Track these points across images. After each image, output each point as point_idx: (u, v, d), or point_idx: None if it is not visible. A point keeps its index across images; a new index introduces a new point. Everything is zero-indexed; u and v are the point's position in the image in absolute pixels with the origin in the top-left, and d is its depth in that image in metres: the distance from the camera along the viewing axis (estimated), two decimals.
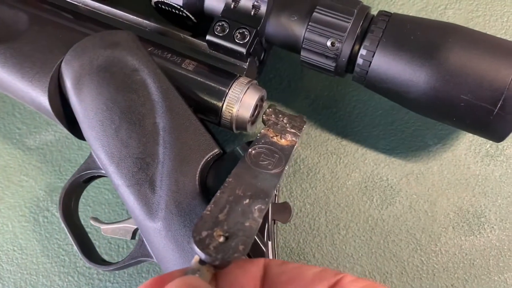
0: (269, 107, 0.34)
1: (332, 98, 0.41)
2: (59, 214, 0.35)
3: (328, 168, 0.40)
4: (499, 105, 0.31)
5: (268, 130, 0.32)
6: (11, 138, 0.43)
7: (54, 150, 0.42)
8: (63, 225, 0.35)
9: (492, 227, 0.38)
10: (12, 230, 0.41)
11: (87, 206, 0.41)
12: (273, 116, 0.33)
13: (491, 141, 0.37)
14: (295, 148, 0.31)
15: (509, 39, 0.41)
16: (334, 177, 0.40)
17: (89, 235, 0.37)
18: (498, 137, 0.33)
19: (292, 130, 0.32)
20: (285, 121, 0.33)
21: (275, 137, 0.31)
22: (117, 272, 0.39)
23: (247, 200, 0.25)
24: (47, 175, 0.42)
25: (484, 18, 0.41)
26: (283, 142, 0.31)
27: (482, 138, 0.38)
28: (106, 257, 0.39)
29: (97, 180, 0.39)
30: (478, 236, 0.38)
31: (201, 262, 0.22)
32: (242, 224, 0.24)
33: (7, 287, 0.40)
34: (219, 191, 0.26)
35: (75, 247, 0.40)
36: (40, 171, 0.42)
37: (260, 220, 0.24)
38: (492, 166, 0.39)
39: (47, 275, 0.40)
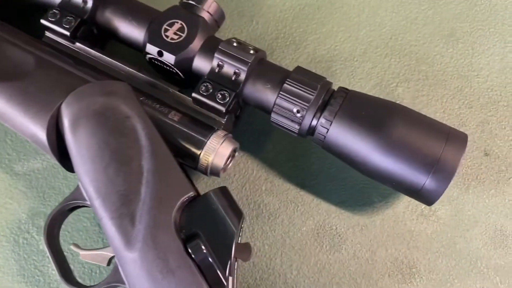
0: None
1: (295, 153, 0.47)
2: (43, 238, 0.38)
3: (286, 214, 0.45)
4: (429, 176, 0.37)
5: None
6: (1, 163, 0.46)
7: (40, 177, 0.46)
8: (44, 248, 0.39)
9: (421, 277, 0.44)
10: None
11: (66, 232, 0.45)
12: None
13: None
14: None
15: (447, 117, 0.48)
16: (291, 223, 0.45)
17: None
18: (428, 202, 0.39)
19: None
20: None
21: None
22: None
23: None
24: (31, 200, 0.45)
25: (428, 97, 0.49)
26: None
27: None
28: (79, 280, 0.43)
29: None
30: (409, 284, 0.44)
31: None
32: None
33: None
34: None
35: (50, 269, 0.43)
36: (25, 195, 0.45)
37: None
38: (425, 224, 0.45)
39: None
